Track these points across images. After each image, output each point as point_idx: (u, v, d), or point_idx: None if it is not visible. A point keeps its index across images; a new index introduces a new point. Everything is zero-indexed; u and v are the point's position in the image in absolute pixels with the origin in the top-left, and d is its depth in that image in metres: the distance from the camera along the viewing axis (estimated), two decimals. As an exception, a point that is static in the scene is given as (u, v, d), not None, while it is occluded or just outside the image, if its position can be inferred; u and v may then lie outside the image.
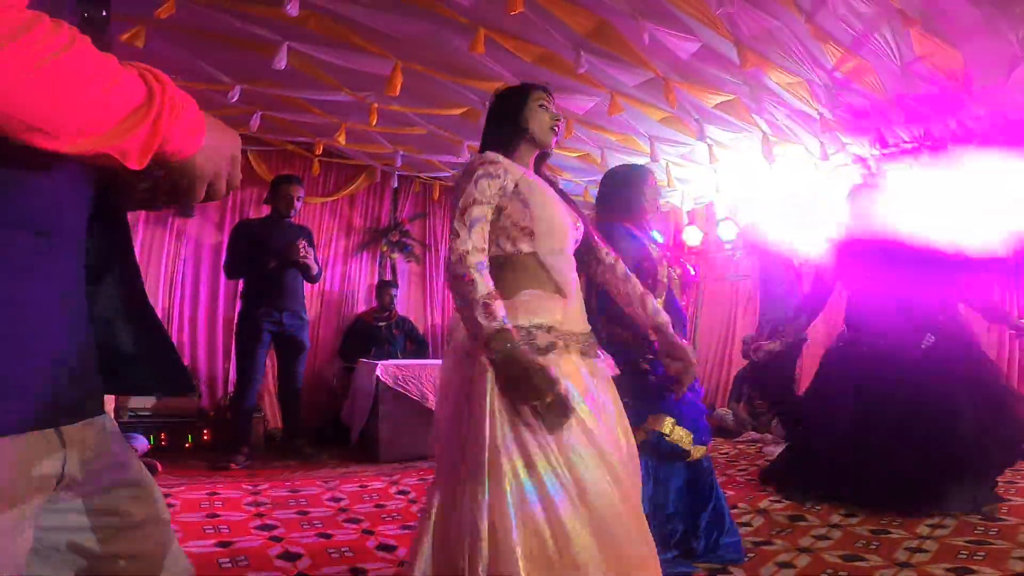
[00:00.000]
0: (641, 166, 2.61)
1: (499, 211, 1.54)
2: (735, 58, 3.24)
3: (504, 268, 1.52)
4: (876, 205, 3.13)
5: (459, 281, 1.41)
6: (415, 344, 5.82)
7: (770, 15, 2.92)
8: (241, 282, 4.53)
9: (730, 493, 3.35)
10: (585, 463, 1.38)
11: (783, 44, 3.16)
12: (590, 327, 1.63)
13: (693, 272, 2.45)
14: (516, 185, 1.55)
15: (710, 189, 5.91)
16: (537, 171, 1.71)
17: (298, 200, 4.36)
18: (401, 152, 5.44)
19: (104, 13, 0.76)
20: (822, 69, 3.32)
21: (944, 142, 3.99)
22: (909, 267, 3.03)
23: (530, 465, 1.35)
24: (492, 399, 1.39)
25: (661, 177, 5.46)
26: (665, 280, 2.29)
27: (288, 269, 4.26)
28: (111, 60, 0.60)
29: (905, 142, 4.23)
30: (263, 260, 4.18)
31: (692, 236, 6.27)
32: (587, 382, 1.49)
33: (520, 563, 1.28)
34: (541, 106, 1.67)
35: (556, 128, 1.68)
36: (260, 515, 2.88)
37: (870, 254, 3.11)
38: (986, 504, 2.95)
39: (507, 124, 1.66)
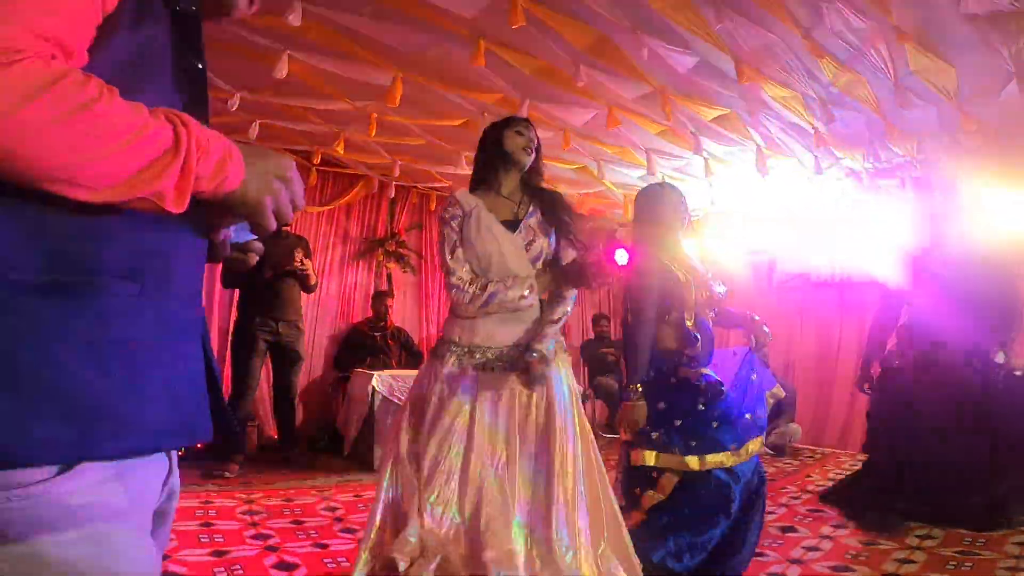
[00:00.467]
0: (662, 184, 2.66)
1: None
2: (732, 73, 3.28)
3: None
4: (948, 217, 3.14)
5: (474, 301, 1.90)
6: (410, 355, 5.80)
7: (768, 30, 2.95)
8: (237, 291, 4.52)
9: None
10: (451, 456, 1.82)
11: (780, 59, 3.19)
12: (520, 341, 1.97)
13: (724, 290, 2.45)
14: (461, 222, 1.95)
15: (705, 202, 5.96)
16: (528, 190, 2.07)
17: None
18: (399, 162, 5.45)
19: (200, 66, 0.79)
20: (817, 83, 3.37)
21: (936, 157, 4.04)
22: (985, 279, 3.02)
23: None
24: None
25: (657, 190, 5.49)
26: (693, 303, 2.31)
27: (284, 279, 4.26)
28: (139, 109, 0.63)
29: (898, 156, 4.28)
30: (259, 270, 4.17)
31: (687, 248, 6.33)
32: (467, 386, 1.87)
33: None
34: (517, 132, 2.02)
35: (528, 150, 2.01)
36: (254, 524, 2.87)
37: (944, 268, 3.10)
38: None
39: (489, 149, 2.05)
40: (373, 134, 4.40)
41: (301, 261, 4.26)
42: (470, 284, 1.90)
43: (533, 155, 2.03)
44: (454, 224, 1.95)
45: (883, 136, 3.88)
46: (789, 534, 2.94)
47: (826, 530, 2.99)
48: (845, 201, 5.08)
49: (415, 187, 6.39)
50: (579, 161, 5.07)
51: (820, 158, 4.33)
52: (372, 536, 1.82)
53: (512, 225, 1.98)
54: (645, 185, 2.75)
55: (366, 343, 5.65)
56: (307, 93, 3.97)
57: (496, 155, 2.02)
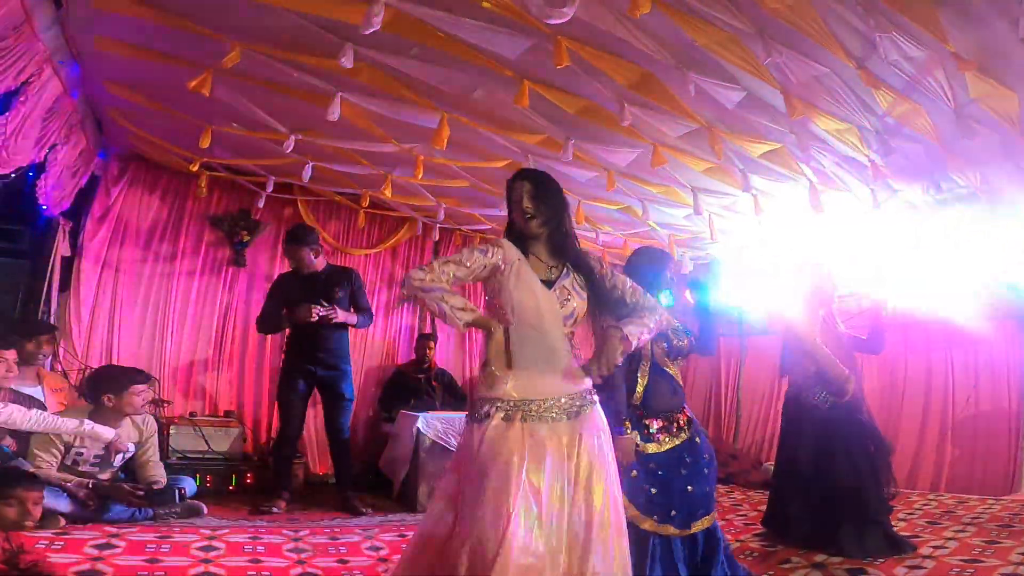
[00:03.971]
0: (646, 248, 2.87)
1: (487, 290, 1.99)
2: (782, 107, 3.22)
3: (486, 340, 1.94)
4: None
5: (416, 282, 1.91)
6: (454, 397, 5.77)
7: (819, 63, 2.91)
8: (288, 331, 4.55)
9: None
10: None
11: (832, 91, 3.13)
12: (576, 390, 1.91)
13: (681, 342, 2.56)
14: (502, 267, 1.93)
15: (754, 240, 5.84)
16: (553, 251, 2.03)
17: (304, 251, 4.28)
18: (443, 205, 5.52)
19: None
20: (873, 114, 3.28)
21: (1001, 186, 3.87)
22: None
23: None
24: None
25: (703, 229, 5.40)
26: (649, 352, 2.45)
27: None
28: None
29: (960, 187, 4.11)
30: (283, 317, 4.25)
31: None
32: (527, 446, 1.78)
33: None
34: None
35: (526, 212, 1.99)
36: (301, 562, 2.83)
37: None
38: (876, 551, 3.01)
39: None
40: (419, 176, 4.47)
41: (316, 313, 4.10)
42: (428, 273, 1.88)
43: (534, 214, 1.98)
44: (478, 255, 1.92)
45: (944, 167, 3.75)
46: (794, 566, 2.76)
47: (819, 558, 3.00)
48: (905, 236, 4.89)
49: (459, 229, 6.46)
50: (623, 201, 5.04)
51: (876, 191, 4.19)
52: None
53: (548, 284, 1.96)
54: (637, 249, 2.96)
55: (410, 385, 5.66)
56: (357, 135, 4.07)
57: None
